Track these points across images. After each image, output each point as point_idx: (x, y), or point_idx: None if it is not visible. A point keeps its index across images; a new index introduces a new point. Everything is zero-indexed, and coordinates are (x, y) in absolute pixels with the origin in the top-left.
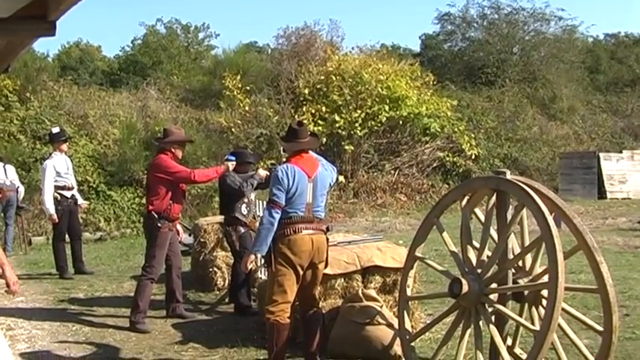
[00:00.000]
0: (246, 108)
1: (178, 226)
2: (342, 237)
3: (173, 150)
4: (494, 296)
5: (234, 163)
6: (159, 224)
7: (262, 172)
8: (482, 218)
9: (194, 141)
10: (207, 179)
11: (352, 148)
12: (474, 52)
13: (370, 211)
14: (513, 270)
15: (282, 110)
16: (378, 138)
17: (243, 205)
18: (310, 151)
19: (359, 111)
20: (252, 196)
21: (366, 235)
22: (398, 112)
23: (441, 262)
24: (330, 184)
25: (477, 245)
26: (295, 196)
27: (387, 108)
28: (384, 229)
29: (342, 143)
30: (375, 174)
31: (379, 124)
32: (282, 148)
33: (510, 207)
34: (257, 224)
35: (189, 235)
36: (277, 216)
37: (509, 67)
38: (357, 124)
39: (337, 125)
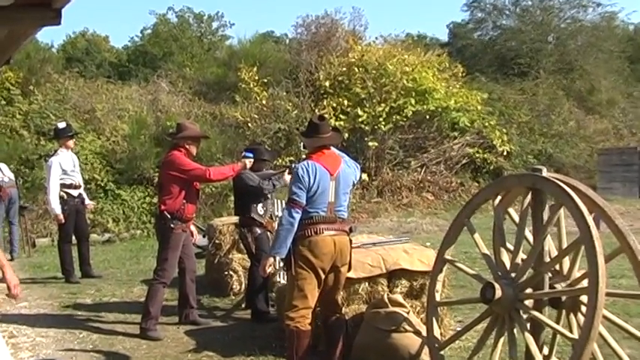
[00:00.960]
0: (263, 102)
1: (192, 227)
2: (366, 238)
3: (187, 146)
4: (529, 302)
5: (252, 160)
6: (172, 225)
7: (287, 177)
8: (517, 219)
9: (209, 137)
10: (223, 177)
11: (376, 144)
12: (506, 42)
13: (395, 211)
14: (550, 274)
15: (301, 104)
16: (403, 133)
17: (260, 205)
18: (332, 147)
19: (383, 105)
20: (270, 195)
21: (392, 236)
22: (425, 106)
23: (472, 265)
24: (353, 182)
25: (511, 247)
26: (317, 194)
27: (413, 101)
28: (410, 231)
29: (366, 139)
30: (401, 171)
31: (405, 119)
32: (302, 144)
33: (547, 206)
34: (274, 225)
35: (204, 236)
36: (297, 216)
37: (543, 57)
38: (381, 119)
39: (360, 120)
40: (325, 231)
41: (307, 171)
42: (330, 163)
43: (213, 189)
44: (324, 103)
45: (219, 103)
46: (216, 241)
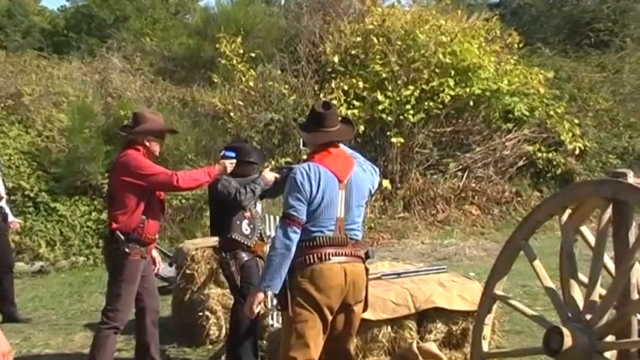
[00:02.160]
0: (250, 83)
1: (154, 253)
2: (388, 267)
3: (147, 143)
4: (611, 354)
5: (234, 161)
6: (126, 249)
7: (268, 175)
8: (592, 240)
9: (177, 131)
10: (196, 185)
11: (402, 140)
12: (579, 0)
13: (428, 229)
14: (639, 316)
15: (301, 87)
16: (438, 126)
17: (245, 222)
18: (341, 145)
19: (411, 87)
20: (258, 207)
21: (423, 264)
22: (468, 89)
23: (532, 303)
24: (370, 191)
25: (585, 279)
26: (321, 208)
27: (451, 83)
28: (448, 256)
29: (388, 133)
30: (435, 177)
31: (440, 106)
32: (301, 141)
33: (634, 224)
34: (266, 248)
35: (170, 265)
36: (295, 237)
37: (631, 20)
38: (408, 106)
39: (380, 108)
40: (333, 257)
41: (308, 176)
42: (339, 165)
43: (183, 201)
44: (332, 85)
45: (190, 86)
46: (188, 272)
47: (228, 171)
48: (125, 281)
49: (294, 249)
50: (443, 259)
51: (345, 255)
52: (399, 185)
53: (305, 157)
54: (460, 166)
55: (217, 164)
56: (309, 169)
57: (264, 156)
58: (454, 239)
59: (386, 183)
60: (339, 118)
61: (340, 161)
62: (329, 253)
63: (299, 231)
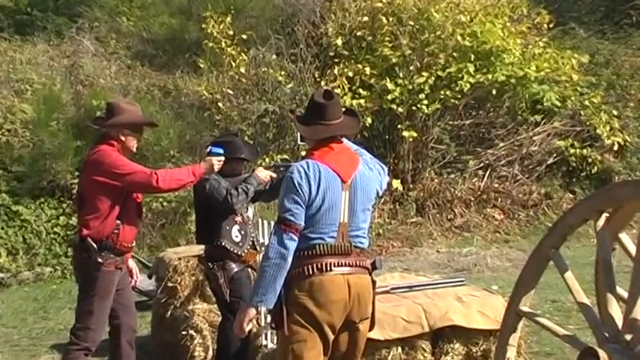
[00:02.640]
0: (242, 70)
1: (131, 263)
2: (398, 279)
3: (122, 138)
4: None
5: (222, 158)
6: (99, 259)
7: (262, 174)
8: (633, 249)
9: (157, 124)
10: (179, 186)
11: (414, 134)
12: None
13: (444, 236)
14: None
15: (299, 73)
16: (456, 118)
17: (235, 228)
18: (345, 140)
19: (425, 74)
20: (250, 212)
21: (438, 276)
22: (490, 76)
23: (563, 321)
24: (377, 193)
25: (624, 294)
26: (321, 212)
27: (471, 69)
28: (467, 267)
29: (399, 127)
30: (452, 176)
31: (459, 96)
32: (298, 135)
33: None
34: (259, 258)
35: (150, 277)
36: (292, 245)
37: None
38: (422, 96)
39: (390, 97)
40: (335, 267)
41: (306, 176)
42: (343, 163)
43: (165, 204)
44: (335, 71)
45: (173, 72)
46: (170, 284)
47: (216, 169)
48: (97, 296)
49: (290, 259)
50: (461, 270)
51: (349, 265)
52: (411, 186)
53: (303, 153)
54: (481, 164)
55: (203, 162)
56: (308, 167)
57: (256, 152)
58: (474, 247)
59: (396, 183)
60: (343, 110)
61: (343, 159)
62: (330, 263)
63: (296, 238)
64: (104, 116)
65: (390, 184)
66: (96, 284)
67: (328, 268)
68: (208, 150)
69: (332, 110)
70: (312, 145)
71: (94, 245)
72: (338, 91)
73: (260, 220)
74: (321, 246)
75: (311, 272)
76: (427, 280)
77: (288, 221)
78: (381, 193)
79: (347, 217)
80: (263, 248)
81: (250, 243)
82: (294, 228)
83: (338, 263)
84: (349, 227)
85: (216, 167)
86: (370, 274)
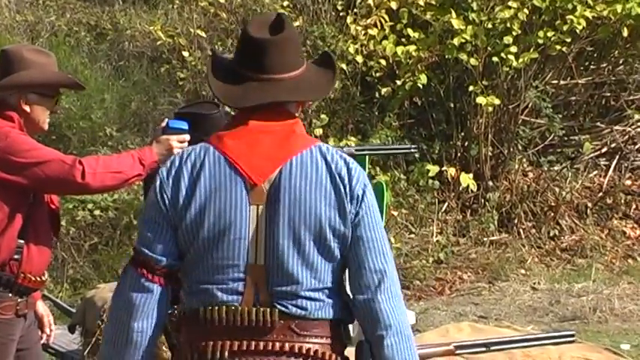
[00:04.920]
0: None
1: (42, 308)
2: (468, 332)
3: (26, 107)
4: None
5: (186, 137)
6: None
7: None
8: None
9: (83, 86)
10: (119, 181)
11: (497, 101)
12: None
13: (544, 263)
14: None
15: (312, 4)
16: (563, 76)
17: None
18: (289, 109)
19: (514, 4)
20: None
21: (533, 327)
22: (618, 7)
23: None
24: (336, 222)
25: None
26: (206, 241)
27: None
28: (582, 314)
29: (471, 89)
30: (557, 168)
31: (568, 40)
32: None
33: None
34: None
35: (72, 329)
36: (146, 300)
37: None
38: (508, 40)
39: (457, 42)
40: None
41: (175, 175)
42: (257, 152)
43: (97, 213)
44: (370, 1)
45: (110, 2)
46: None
47: (176, 155)
48: None
49: (144, 324)
50: (571, 319)
51: (265, 353)
52: (490, 184)
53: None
54: (605, 149)
55: (156, 143)
56: (183, 159)
57: None
58: (592, 282)
59: (467, 180)
60: (305, 59)
61: (263, 145)
62: (223, 349)
63: (156, 288)
64: None
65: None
66: None
67: (218, 354)
68: (164, 124)
69: (279, 54)
70: (231, 120)
71: None
72: (374, 31)
73: None
74: (209, 311)
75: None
76: (514, 334)
77: (142, 257)
78: (355, 223)
79: (263, 255)
80: None
81: None
82: (150, 269)
83: (240, 349)
84: (270, 275)
85: (177, 152)
86: None
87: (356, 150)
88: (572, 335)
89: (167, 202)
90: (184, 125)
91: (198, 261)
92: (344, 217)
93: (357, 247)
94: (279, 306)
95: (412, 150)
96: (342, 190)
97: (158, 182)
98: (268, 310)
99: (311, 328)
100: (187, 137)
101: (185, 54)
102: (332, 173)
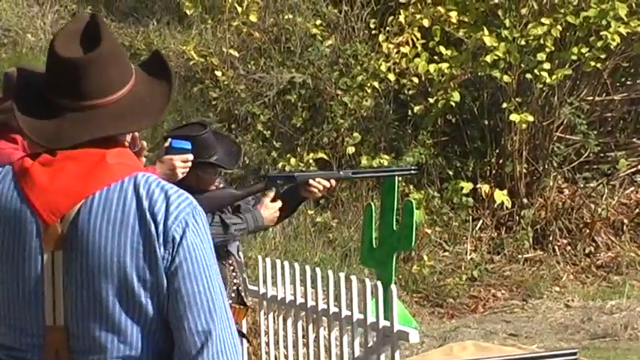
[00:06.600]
0: (252, 18)
1: None
2: (472, 351)
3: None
4: None
5: (189, 157)
6: None
7: (268, 211)
8: None
9: None
10: None
11: (530, 118)
12: None
13: (579, 281)
14: None
15: (345, 23)
16: (599, 92)
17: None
18: (120, 140)
19: (547, 21)
20: (234, 248)
21: (562, 345)
22: None
23: None
24: (145, 272)
25: None
26: None
27: (622, 12)
28: (613, 331)
29: (504, 106)
30: (593, 185)
31: (602, 56)
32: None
33: None
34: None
35: None
36: None
37: None
38: (541, 56)
39: (489, 59)
40: None
41: None
42: (59, 186)
43: None
44: (401, 18)
45: (144, 23)
46: None
47: (180, 175)
48: None
49: None
50: (602, 336)
51: None
52: (525, 201)
53: (351, 150)
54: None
55: (159, 163)
56: None
57: (238, 155)
58: (626, 299)
59: (502, 197)
60: (132, 70)
61: (69, 176)
62: None
63: None
64: (1, 95)
65: (489, 198)
66: None
67: None
68: (168, 144)
69: (97, 74)
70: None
71: None
72: (406, 50)
73: (240, 253)
74: None
75: None
76: (518, 352)
77: None
78: (164, 270)
79: (62, 314)
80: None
81: (234, 293)
82: None
83: None
84: (72, 339)
85: (180, 172)
86: None
87: (353, 173)
88: (575, 353)
89: None
90: (187, 145)
91: None
92: (155, 264)
93: (176, 303)
94: None
95: (412, 171)
96: (154, 230)
97: None
98: None
99: None
100: (191, 157)
101: (218, 73)
102: (142, 210)
